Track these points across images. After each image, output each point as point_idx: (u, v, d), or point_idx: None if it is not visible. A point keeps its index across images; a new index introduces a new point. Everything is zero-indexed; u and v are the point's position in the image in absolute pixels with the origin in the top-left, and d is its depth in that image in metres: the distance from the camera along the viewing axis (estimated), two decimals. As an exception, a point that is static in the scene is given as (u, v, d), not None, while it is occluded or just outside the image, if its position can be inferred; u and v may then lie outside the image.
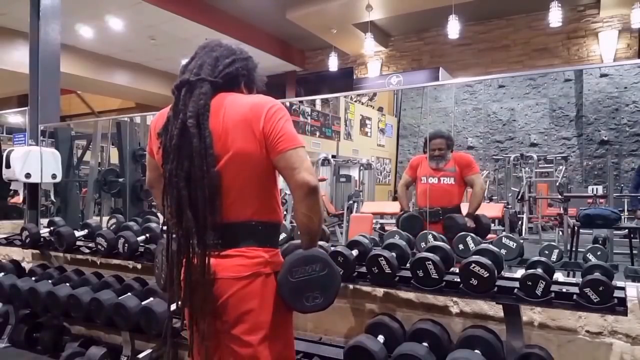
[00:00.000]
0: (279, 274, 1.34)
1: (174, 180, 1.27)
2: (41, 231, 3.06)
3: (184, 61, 1.45)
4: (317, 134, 8.70)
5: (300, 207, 1.31)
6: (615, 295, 1.58)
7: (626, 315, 1.59)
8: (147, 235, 2.64)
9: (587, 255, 2.09)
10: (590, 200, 5.55)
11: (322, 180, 7.49)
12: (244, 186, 1.32)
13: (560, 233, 5.96)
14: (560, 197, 5.58)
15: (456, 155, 3.15)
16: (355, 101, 10.34)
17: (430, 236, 2.44)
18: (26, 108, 3.94)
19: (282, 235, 2.52)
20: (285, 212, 6.29)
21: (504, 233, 3.70)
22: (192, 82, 1.31)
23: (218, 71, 1.34)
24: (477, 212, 3.02)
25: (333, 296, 1.36)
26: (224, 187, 1.29)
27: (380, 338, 1.84)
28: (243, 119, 1.29)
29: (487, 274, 1.68)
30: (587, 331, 1.83)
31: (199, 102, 1.28)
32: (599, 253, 2.08)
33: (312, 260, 1.33)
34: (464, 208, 3.07)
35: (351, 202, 6.70)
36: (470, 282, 1.71)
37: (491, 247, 1.87)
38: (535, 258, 1.88)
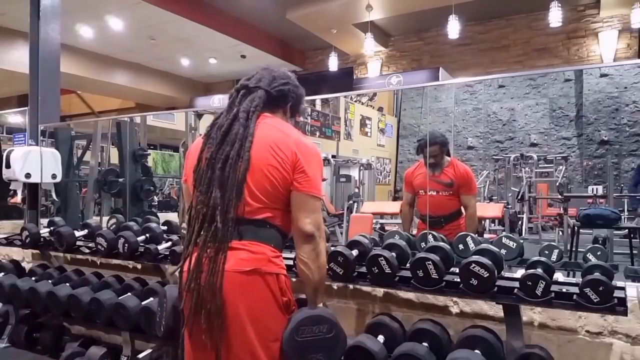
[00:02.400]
0: (285, 330, 1.36)
1: (211, 162, 1.38)
2: (41, 231, 3.06)
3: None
4: (317, 134, 8.70)
5: (298, 251, 1.40)
6: (615, 295, 1.57)
7: (626, 315, 1.59)
8: (147, 235, 2.64)
9: (587, 255, 2.08)
10: (590, 200, 5.55)
11: (322, 180, 7.47)
12: (266, 194, 1.38)
13: (560, 233, 5.96)
14: (560, 197, 5.58)
15: (457, 166, 2.99)
16: (355, 101, 10.34)
17: (430, 236, 2.44)
18: (26, 108, 3.94)
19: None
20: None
21: (504, 233, 3.69)
22: (251, 87, 1.49)
23: (274, 85, 1.51)
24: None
25: (338, 359, 1.40)
26: (249, 188, 1.36)
27: (380, 338, 1.84)
28: (286, 144, 1.40)
29: (487, 274, 1.68)
30: (587, 331, 1.83)
31: (253, 102, 1.45)
32: (599, 253, 2.07)
33: (319, 321, 1.37)
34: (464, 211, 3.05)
35: (351, 202, 6.70)
36: (470, 282, 1.71)
37: (491, 247, 1.87)
38: (535, 258, 1.88)
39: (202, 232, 1.35)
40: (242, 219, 1.35)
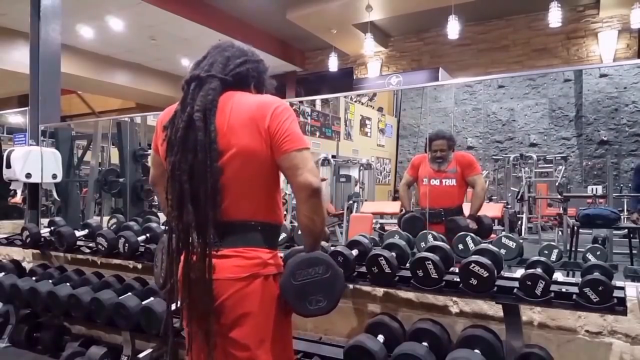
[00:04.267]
0: (281, 277, 1.33)
1: (176, 173, 1.27)
2: (42, 231, 3.06)
3: (189, 61, 1.47)
4: (317, 134, 8.71)
5: (302, 208, 1.31)
6: (614, 295, 1.58)
7: (625, 315, 1.59)
8: (148, 235, 2.64)
9: (587, 255, 2.09)
10: (589, 200, 5.55)
11: (322, 180, 7.49)
12: (246, 184, 1.31)
13: (560, 233, 5.96)
14: (559, 197, 5.58)
15: (458, 155, 3.13)
16: (355, 101, 10.34)
17: (430, 236, 2.45)
18: (27, 108, 3.94)
19: (282, 235, 2.53)
20: (285, 212, 6.29)
21: (503, 233, 3.70)
22: (203, 77, 1.33)
23: (229, 70, 1.35)
24: (479, 213, 3.02)
25: (337, 299, 1.35)
26: (225, 184, 1.29)
27: (380, 338, 1.84)
28: (249, 117, 1.29)
29: (487, 274, 1.68)
30: (587, 331, 1.83)
31: (207, 97, 1.29)
32: (598, 253, 2.08)
33: (314, 263, 1.32)
34: (466, 208, 3.07)
35: (351, 202, 6.70)
36: (470, 281, 1.71)
37: (491, 247, 1.87)
38: (535, 258, 1.88)
39: (182, 246, 1.30)
40: (226, 224, 1.30)
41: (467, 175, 3.05)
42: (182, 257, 1.32)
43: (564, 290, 1.66)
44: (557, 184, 7.09)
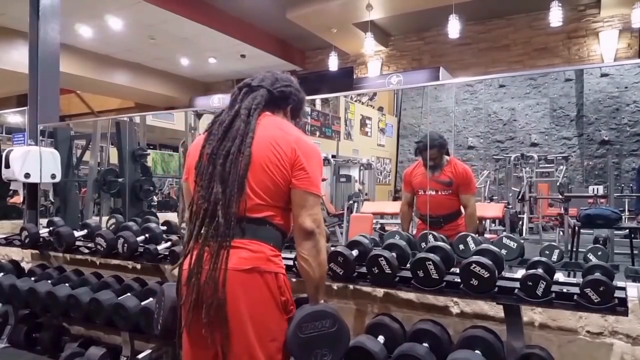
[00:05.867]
0: (287, 329, 1.37)
1: (212, 158, 1.39)
2: (40, 231, 3.05)
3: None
4: (317, 133, 8.70)
5: (299, 250, 1.39)
6: (615, 295, 1.57)
7: (627, 316, 1.58)
8: (147, 235, 2.63)
9: (588, 256, 2.08)
10: (590, 200, 5.54)
11: (322, 180, 7.47)
12: (266, 191, 1.38)
13: (561, 233, 5.95)
14: (560, 197, 5.57)
15: (456, 166, 2.99)
16: (356, 101, 10.34)
17: (430, 236, 2.44)
18: (25, 108, 3.93)
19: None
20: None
21: (504, 233, 3.69)
22: (253, 86, 1.51)
23: (276, 86, 1.53)
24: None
25: (342, 353, 1.41)
26: (249, 185, 1.36)
27: (381, 338, 1.83)
28: (286, 141, 1.41)
29: (488, 274, 1.67)
30: (588, 331, 1.82)
31: (255, 100, 1.46)
32: (599, 253, 2.07)
33: (321, 317, 1.37)
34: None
35: (351, 202, 6.69)
36: (471, 282, 1.70)
37: (492, 247, 1.86)
38: (536, 258, 1.87)
39: (203, 228, 1.36)
40: (242, 217, 1.35)
41: (461, 192, 2.95)
42: (195, 252, 1.36)
43: (565, 290, 1.65)
44: (558, 184, 7.08)
